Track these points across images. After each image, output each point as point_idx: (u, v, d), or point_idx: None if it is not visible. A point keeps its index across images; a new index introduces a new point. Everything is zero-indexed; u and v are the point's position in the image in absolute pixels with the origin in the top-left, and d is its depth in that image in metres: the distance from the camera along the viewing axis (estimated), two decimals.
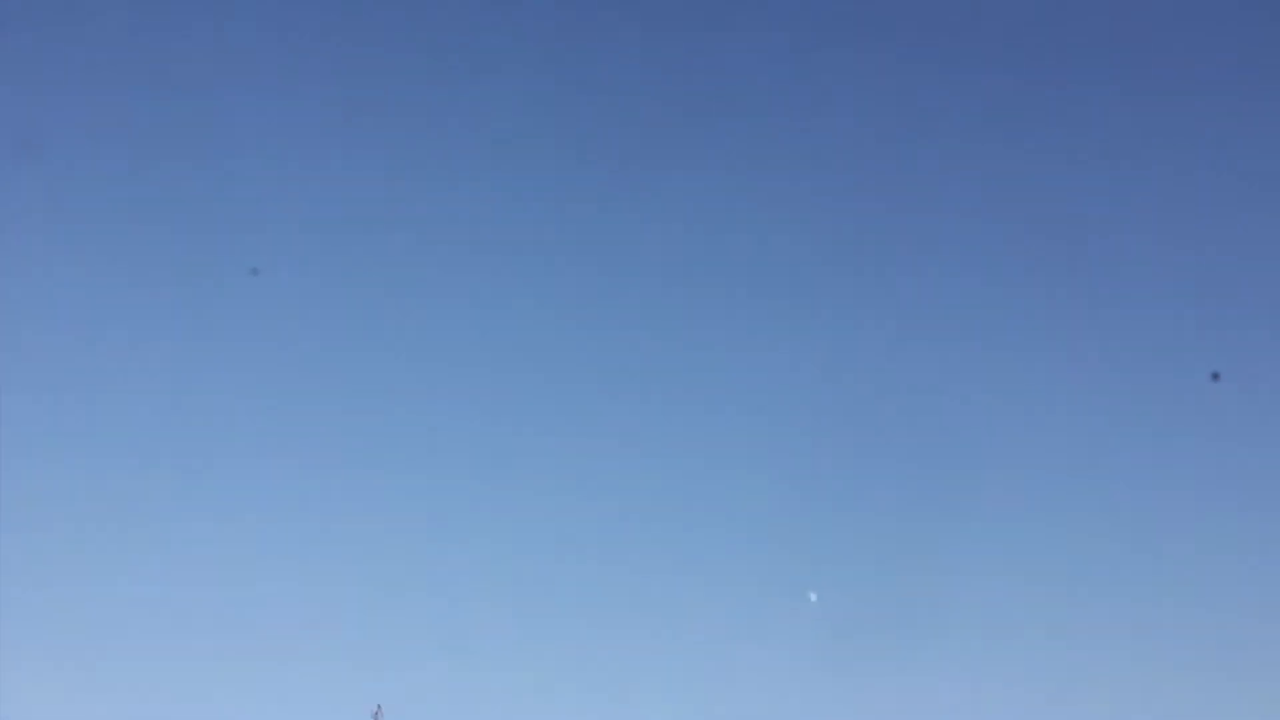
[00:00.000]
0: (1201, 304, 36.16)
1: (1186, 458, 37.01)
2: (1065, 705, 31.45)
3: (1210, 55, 35.79)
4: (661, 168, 39.99)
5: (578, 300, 38.82)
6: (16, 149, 33.30)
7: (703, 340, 40.55)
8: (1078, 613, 34.08)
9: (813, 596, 31.44)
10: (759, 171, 39.99)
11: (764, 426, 38.12)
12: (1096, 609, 34.13)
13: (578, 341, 39.01)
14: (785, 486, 37.29)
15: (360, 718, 26.53)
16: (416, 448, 38.05)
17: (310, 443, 38.52)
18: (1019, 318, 39.51)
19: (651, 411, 38.80)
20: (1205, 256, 37.37)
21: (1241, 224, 35.90)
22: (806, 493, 37.38)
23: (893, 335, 39.15)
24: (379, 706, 26.64)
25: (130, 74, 39.50)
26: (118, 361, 39.17)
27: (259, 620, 32.23)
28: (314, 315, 38.83)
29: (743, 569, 36.04)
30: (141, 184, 40.05)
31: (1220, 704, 27.81)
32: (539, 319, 39.28)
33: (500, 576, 35.44)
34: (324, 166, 40.91)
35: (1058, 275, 38.23)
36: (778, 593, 34.02)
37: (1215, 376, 29.65)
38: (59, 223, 38.08)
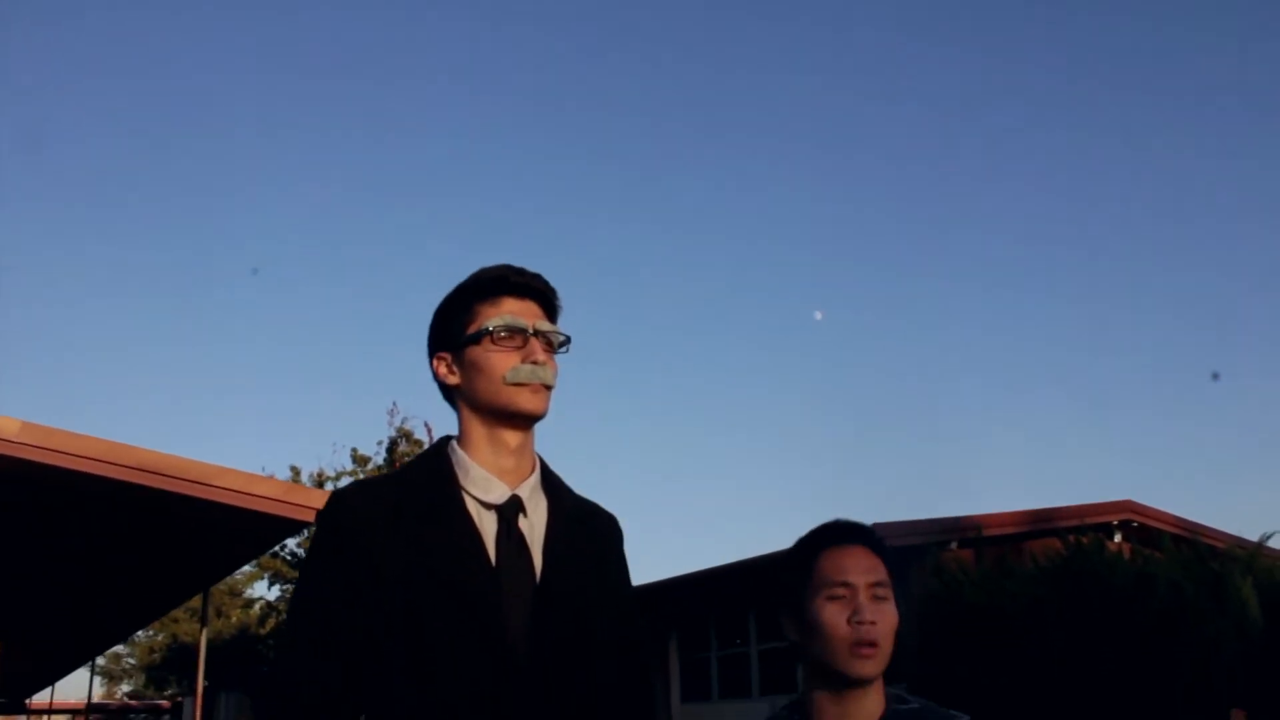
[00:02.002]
0: None
1: None
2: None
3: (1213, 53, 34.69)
4: None
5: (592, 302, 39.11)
6: (18, 148, 32.62)
7: None
8: None
9: (818, 315, 31.92)
10: None
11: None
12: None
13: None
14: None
15: None
16: None
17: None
18: None
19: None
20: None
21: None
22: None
23: None
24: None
25: (130, 74, 38.47)
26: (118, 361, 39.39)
27: None
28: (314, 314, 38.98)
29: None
30: (142, 183, 39.65)
31: None
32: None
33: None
34: (323, 166, 40.45)
35: None
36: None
37: (1215, 376, 29.92)
38: (60, 222, 37.69)
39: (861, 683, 1.74)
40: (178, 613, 33.25)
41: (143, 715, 43.44)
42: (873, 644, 1.71)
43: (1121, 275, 36.50)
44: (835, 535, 1.81)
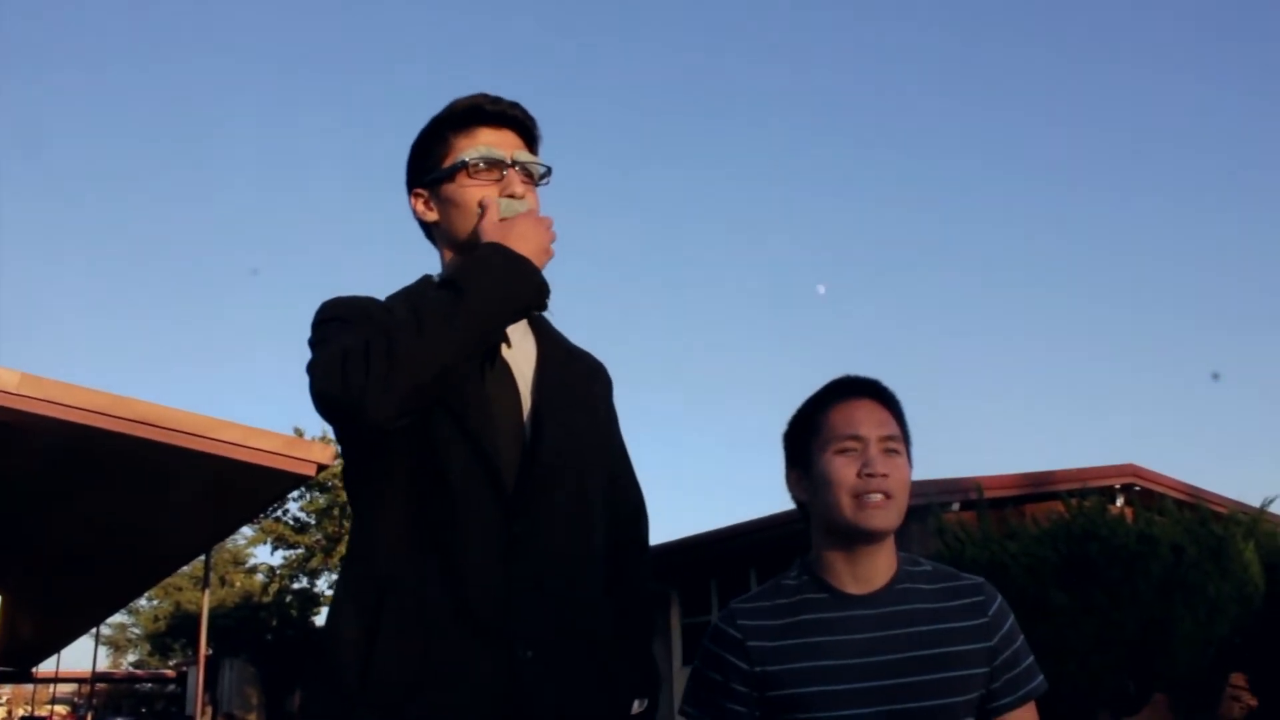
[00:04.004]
0: None
1: None
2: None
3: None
4: None
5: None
6: (19, 148, 32.62)
7: None
8: None
9: (820, 289, 32.39)
10: None
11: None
12: None
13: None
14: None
15: None
16: None
17: None
18: None
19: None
20: None
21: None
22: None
23: None
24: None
25: (132, 73, 38.43)
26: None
27: None
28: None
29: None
30: (143, 184, 39.68)
31: None
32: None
33: None
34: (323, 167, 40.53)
35: None
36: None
37: (1215, 376, 29.98)
38: (62, 222, 37.75)
39: (873, 538, 1.70)
40: (181, 580, 33.35)
41: (148, 685, 43.74)
42: (885, 495, 1.67)
43: (1123, 241, 36.45)
44: (845, 389, 1.77)
